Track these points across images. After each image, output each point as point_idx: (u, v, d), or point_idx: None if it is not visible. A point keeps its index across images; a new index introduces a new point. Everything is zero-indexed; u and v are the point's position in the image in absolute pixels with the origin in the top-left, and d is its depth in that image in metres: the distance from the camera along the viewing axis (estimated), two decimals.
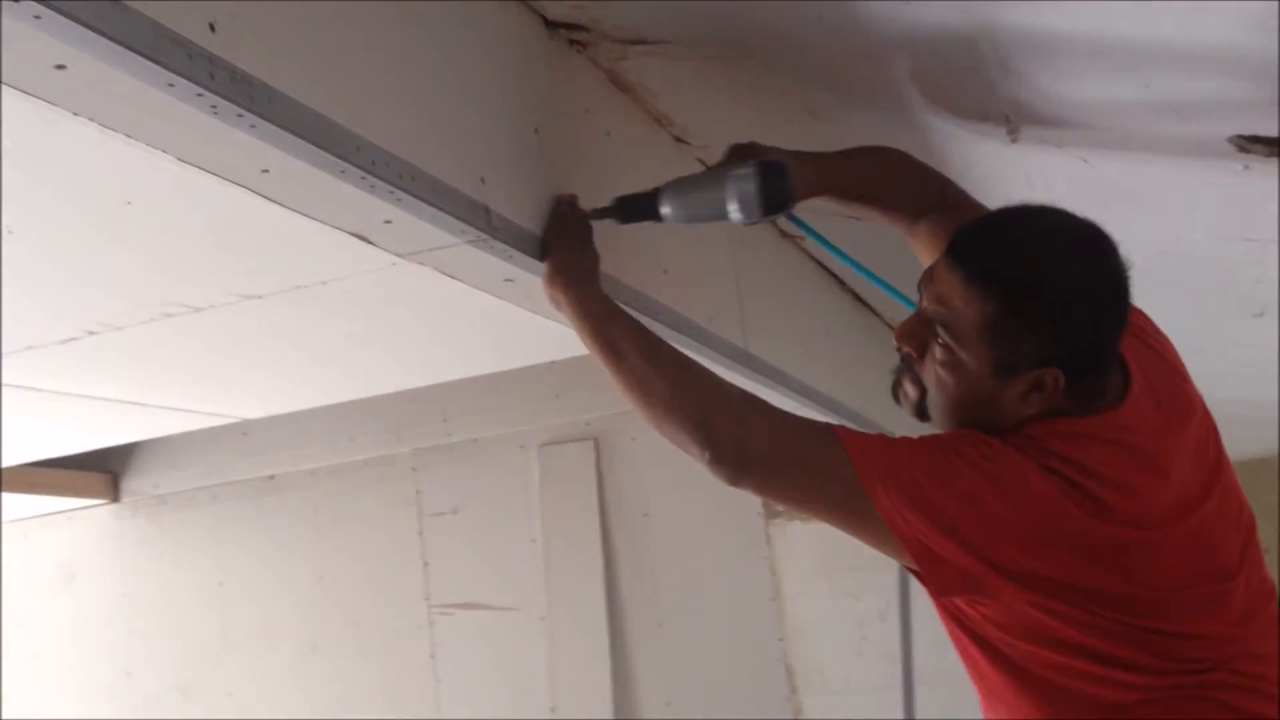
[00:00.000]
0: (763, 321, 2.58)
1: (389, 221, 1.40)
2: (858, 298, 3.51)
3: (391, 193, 1.30)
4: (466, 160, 1.48)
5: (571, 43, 1.88)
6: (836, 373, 3.15)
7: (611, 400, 4.57)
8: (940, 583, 1.49)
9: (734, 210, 1.63)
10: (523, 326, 2.22)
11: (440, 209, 1.39)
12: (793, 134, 2.16)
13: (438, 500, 4.76)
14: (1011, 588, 1.46)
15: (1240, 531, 1.62)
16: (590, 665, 4.44)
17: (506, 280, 1.68)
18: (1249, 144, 1.80)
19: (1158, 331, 1.72)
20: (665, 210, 1.68)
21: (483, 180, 1.50)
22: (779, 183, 1.64)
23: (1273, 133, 1.76)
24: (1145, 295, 1.77)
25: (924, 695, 4.05)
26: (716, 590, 4.41)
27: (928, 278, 1.53)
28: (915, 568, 1.49)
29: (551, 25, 1.82)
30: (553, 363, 4.46)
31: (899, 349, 1.57)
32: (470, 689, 4.66)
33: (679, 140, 2.28)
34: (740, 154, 1.72)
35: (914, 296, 1.59)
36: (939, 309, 1.49)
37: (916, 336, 1.53)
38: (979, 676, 1.59)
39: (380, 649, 4.75)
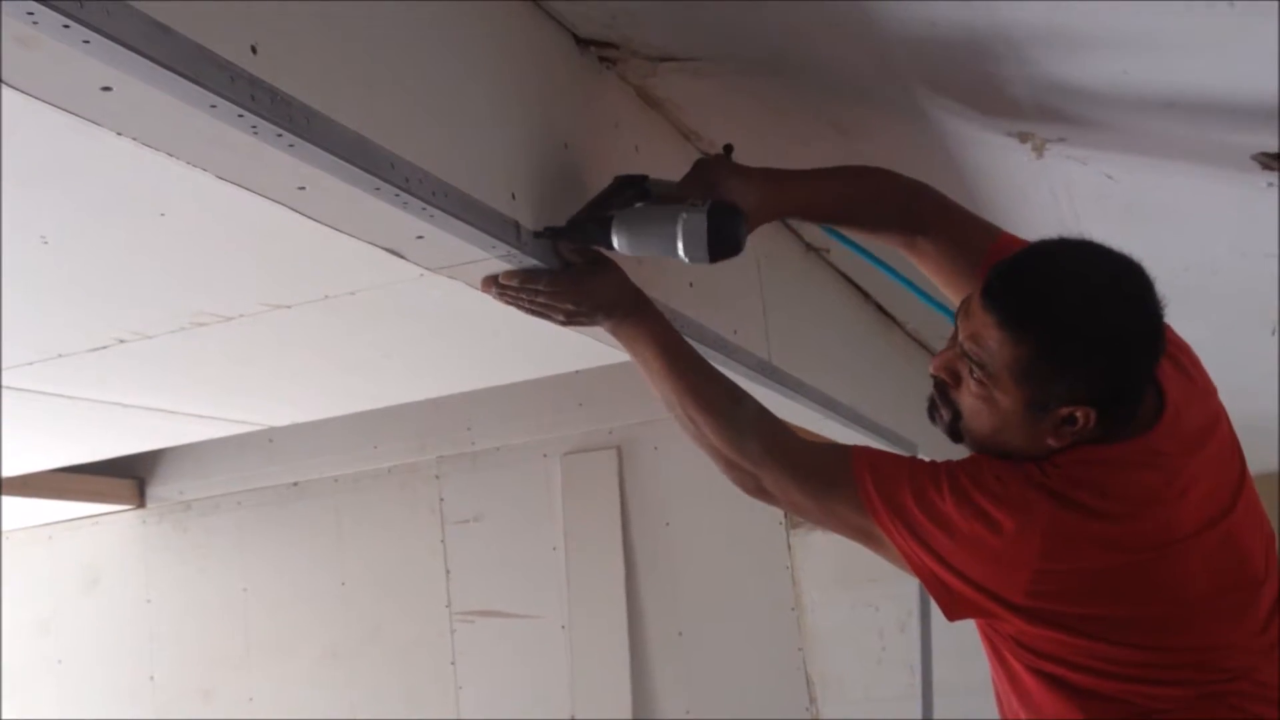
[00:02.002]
0: (787, 334, 2.59)
1: (421, 237, 1.42)
2: (881, 310, 3.52)
3: (424, 209, 1.32)
4: (498, 177, 1.50)
5: (601, 60, 1.90)
6: (859, 385, 3.16)
7: (635, 409, 4.65)
8: (952, 609, 1.55)
9: (682, 251, 1.56)
10: (546, 336, 2.24)
11: (472, 225, 1.41)
12: (820, 149, 2.18)
13: (460, 508, 4.77)
14: (1021, 620, 1.50)
15: (1263, 540, 1.63)
16: (610, 672, 4.45)
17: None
18: (1272, 160, 1.81)
19: (1184, 345, 1.72)
20: (616, 240, 1.59)
21: (513, 196, 1.52)
22: (729, 228, 1.57)
23: None
24: (1176, 309, 1.79)
25: (943, 705, 4.04)
26: (737, 599, 4.41)
27: (964, 312, 1.55)
28: (929, 591, 1.54)
29: (582, 43, 1.84)
30: (576, 371, 4.48)
31: (934, 377, 1.59)
32: (491, 696, 4.67)
33: (706, 155, 2.29)
34: (702, 178, 1.68)
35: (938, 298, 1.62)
36: (974, 348, 1.50)
37: (951, 369, 1.56)
38: (1010, 677, 1.62)
39: (401, 656, 4.77)
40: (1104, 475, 1.50)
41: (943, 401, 1.59)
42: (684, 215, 1.54)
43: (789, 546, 4.39)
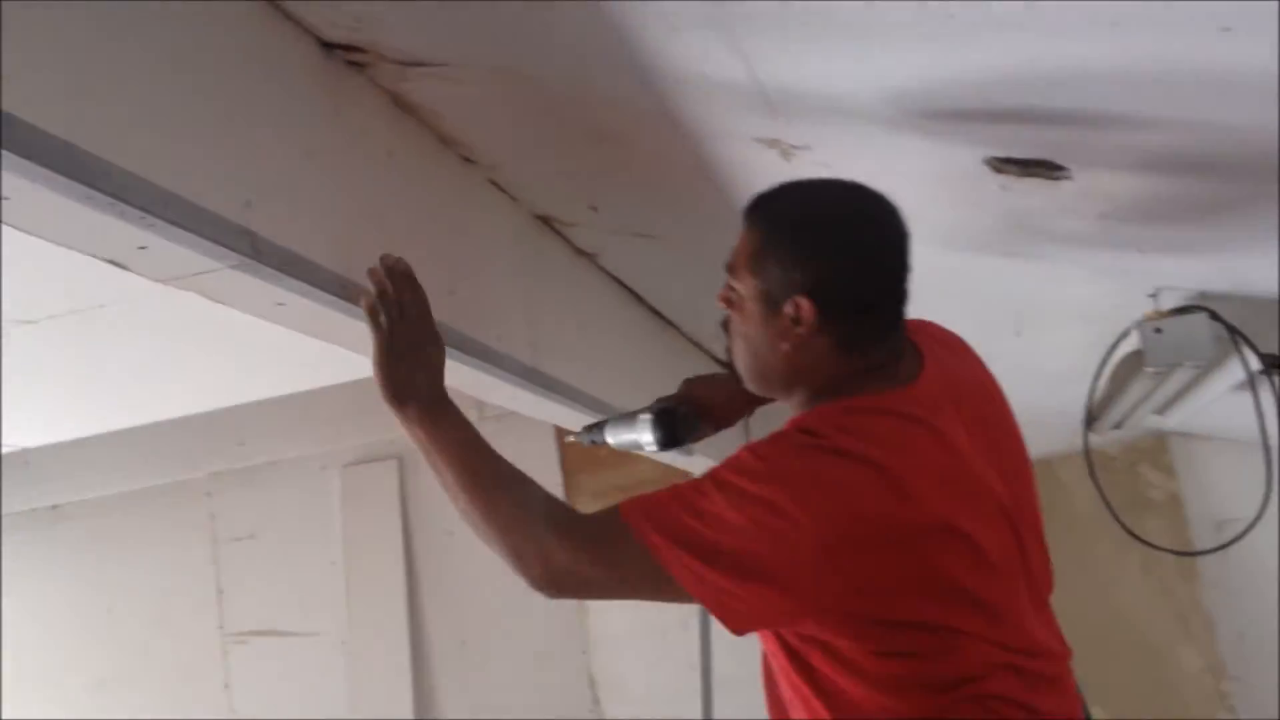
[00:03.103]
0: (555, 339, 2.59)
1: (144, 248, 1.35)
2: (656, 312, 3.55)
3: (143, 218, 1.26)
4: (229, 184, 1.44)
5: (350, 64, 1.86)
6: (634, 388, 3.18)
7: None
8: (737, 622, 1.51)
9: (645, 446, 2.00)
10: (315, 347, 2.18)
11: (199, 234, 1.36)
12: (584, 156, 2.19)
13: (233, 525, 4.63)
14: (813, 605, 1.48)
15: (1037, 523, 1.69)
16: (392, 687, 4.39)
17: (278, 305, 1.65)
18: (1003, 165, 1.89)
19: (960, 339, 1.82)
20: (606, 436, 2.08)
21: (248, 204, 1.47)
22: (669, 429, 1.98)
23: (1025, 154, 1.85)
24: (923, 308, 1.86)
25: (722, 699, 4.12)
26: (521, 606, 4.40)
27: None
28: (715, 616, 1.51)
29: (327, 47, 1.79)
30: (354, 381, 4.40)
31: (722, 310, 1.70)
32: (268, 717, 4.54)
33: (467, 160, 2.27)
34: (686, 383, 2.09)
35: None
36: (732, 255, 1.65)
37: (724, 295, 1.68)
38: (793, 686, 1.61)
39: (172, 681, 4.61)
40: (869, 423, 1.53)
41: (728, 336, 1.70)
42: (640, 418, 2.00)
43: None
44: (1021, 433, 1.75)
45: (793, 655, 1.57)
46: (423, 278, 1.98)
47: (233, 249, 1.42)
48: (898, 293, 1.63)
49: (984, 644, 1.52)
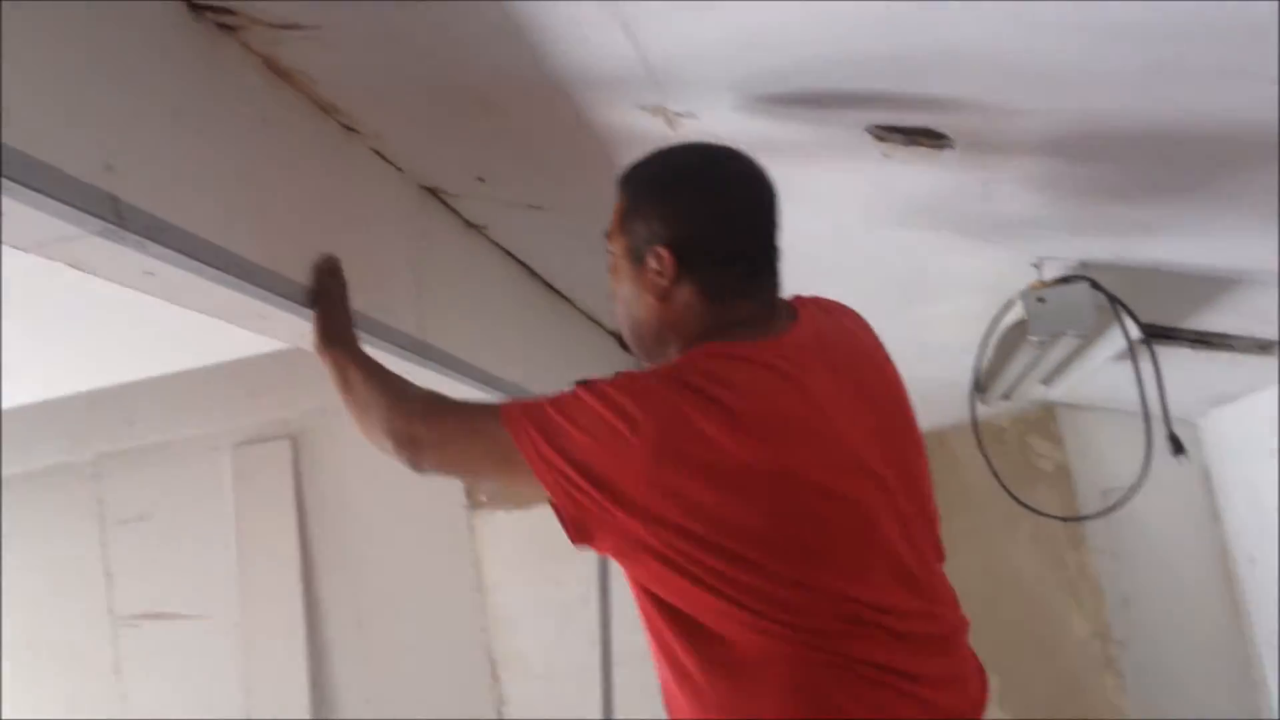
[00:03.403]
0: (443, 312, 2.56)
1: None
2: (549, 286, 3.53)
3: None
4: (87, 146, 1.40)
5: (221, 26, 1.81)
6: (527, 361, 3.16)
7: (310, 397, 4.52)
8: (580, 523, 1.55)
9: None
10: (205, 322, 2.13)
11: (56, 198, 1.31)
12: (469, 126, 2.16)
13: (123, 507, 4.54)
14: (645, 524, 1.50)
15: (923, 490, 1.71)
16: (286, 669, 4.33)
17: (147, 274, 1.60)
18: (886, 133, 1.89)
19: (846, 306, 1.85)
20: None
21: (109, 167, 1.42)
22: None
23: (908, 122, 1.86)
24: (813, 282, 1.88)
25: (623, 675, 4.13)
26: (419, 585, 4.38)
27: None
28: (556, 508, 1.57)
29: (196, 8, 1.74)
30: (246, 360, 4.32)
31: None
32: (159, 702, 4.47)
33: (348, 129, 2.23)
34: None
35: None
36: (606, 226, 1.74)
37: (609, 263, 1.75)
38: (653, 633, 1.62)
39: (61, 666, 4.50)
40: (727, 367, 1.56)
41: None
42: None
43: (471, 529, 4.38)
44: (912, 404, 1.77)
45: (655, 607, 1.58)
46: (300, 245, 1.94)
47: (94, 214, 1.38)
48: (761, 246, 1.69)
49: (833, 598, 1.52)
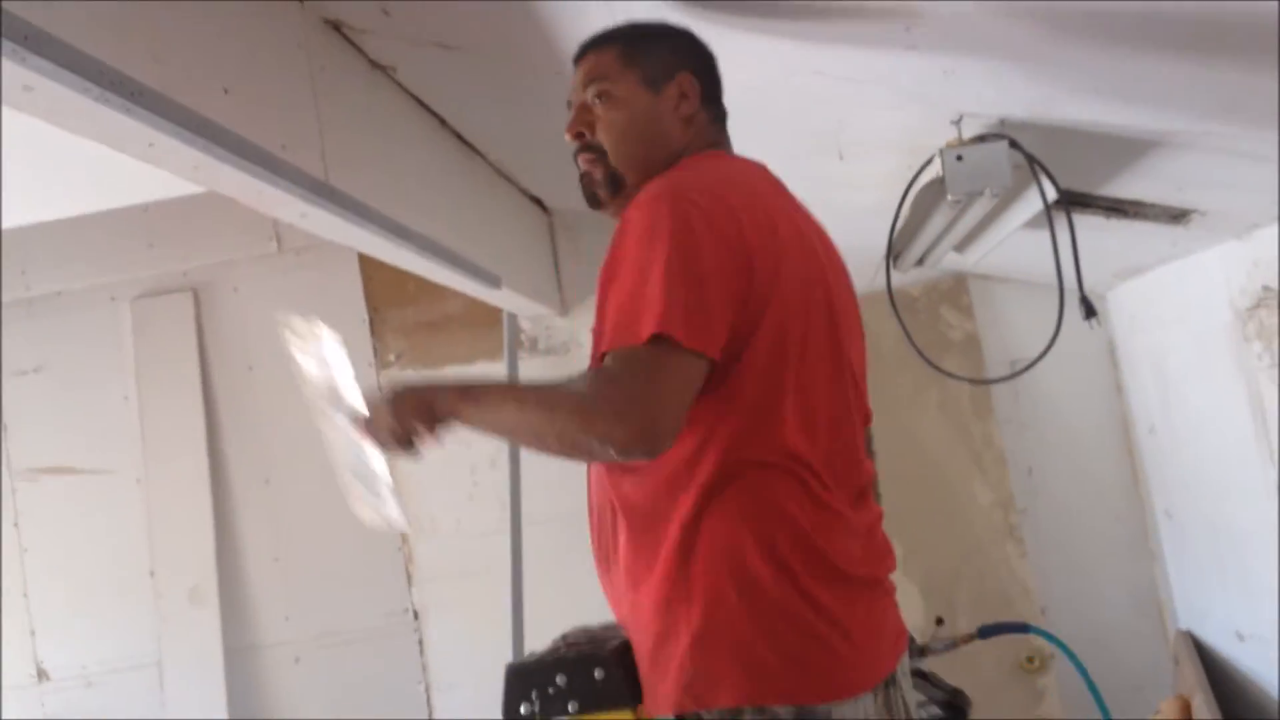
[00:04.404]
0: (349, 155, 2.46)
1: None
2: (461, 139, 3.43)
3: None
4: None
5: None
6: (437, 215, 3.08)
7: (212, 249, 4.38)
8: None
9: None
10: (98, 161, 2.01)
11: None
12: (436, 60, 2.04)
13: (18, 359, 4.41)
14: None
15: (861, 403, 1.78)
16: (192, 525, 4.27)
17: (26, 89, 1.50)
18: None
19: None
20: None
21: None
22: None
23: None
24: (738, 129, 1.85)
25: (532, 535, 4.13)
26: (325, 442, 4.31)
27: (572, 95, 1.82)
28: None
29: None
30: (146, 207, 4.17)
31: (574, 142, 1.79)
32: (60, 558, 4.40)
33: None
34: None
35: None
36: (585, 84, 1.78)
37: (580, 119, 1.78)
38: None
39: None
40: (722, 165, 1.75)
41: (590, 159, 1.77)
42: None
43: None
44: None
45: None
46: (193, 71, 1.84)
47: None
48: (721, 90, 1.86)
49: (784, 434, 1.59)
